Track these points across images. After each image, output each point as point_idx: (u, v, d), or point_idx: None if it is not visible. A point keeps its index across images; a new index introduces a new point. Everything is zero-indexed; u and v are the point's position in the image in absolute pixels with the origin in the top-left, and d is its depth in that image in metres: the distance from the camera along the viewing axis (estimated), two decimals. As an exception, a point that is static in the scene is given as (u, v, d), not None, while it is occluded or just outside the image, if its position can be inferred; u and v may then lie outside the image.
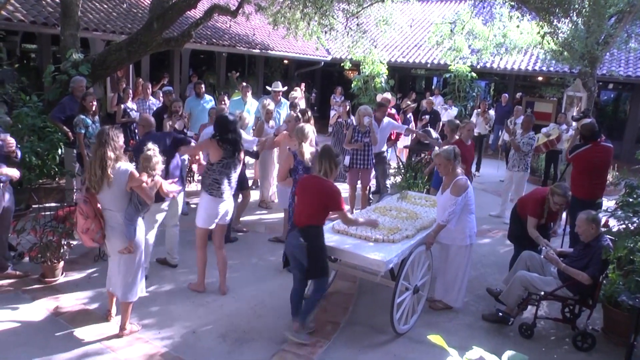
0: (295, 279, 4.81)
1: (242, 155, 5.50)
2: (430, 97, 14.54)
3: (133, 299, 4.63)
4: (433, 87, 18.90)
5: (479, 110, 13.05)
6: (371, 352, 4.66)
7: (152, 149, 4.55)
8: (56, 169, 7.49)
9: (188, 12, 9.49)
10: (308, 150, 6.13)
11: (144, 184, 4.41)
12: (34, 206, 6.93)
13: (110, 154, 4.34)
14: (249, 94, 10.02)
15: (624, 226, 5.14)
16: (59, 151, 7.32)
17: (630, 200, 5.19)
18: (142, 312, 5.02)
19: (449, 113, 13.73)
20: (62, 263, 5.70)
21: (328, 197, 4.65)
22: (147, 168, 4.51)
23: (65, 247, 5.72)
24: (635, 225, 5.02)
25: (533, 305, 5.17)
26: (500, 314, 5.18)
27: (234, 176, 5.40)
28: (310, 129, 6.27)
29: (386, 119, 8.57)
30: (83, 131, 7.06)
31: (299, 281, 4.79)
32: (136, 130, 9.59)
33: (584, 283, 4.81)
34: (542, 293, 5.05)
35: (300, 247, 4.56)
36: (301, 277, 4.77)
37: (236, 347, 4.61)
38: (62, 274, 5.70)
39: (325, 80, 21.59)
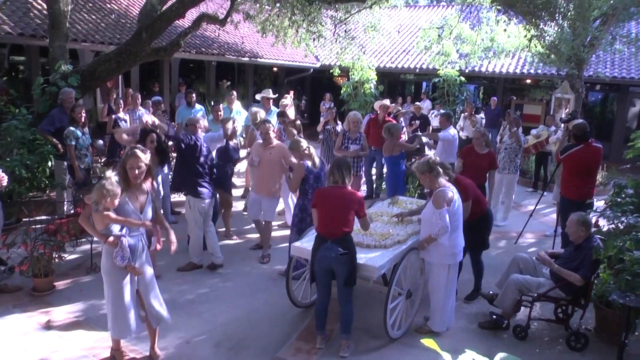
0: (322, 292, 4.75)
1: None
2: (418, 103, 14.60)
3: (117, 336, 4.26)
4: (422, 91, 18.98)
5: (466, 114, 13.15)
6: (365, 357, 4.66)
7: (109, 178, 4.00)
8: (46, 182, 7.45)
9: (176, 21, 9.50)
10: (315, 155, 6.20)
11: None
12: (24, 219, 6.90)
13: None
14: (235, 101, 10.16)
15: (613, 226, 5.19)
16: (49, 164, 7.28)
17: (619, 200, 5.25)
18: (135, 324, 5.00)
19: (438, 118, 13.77)
20: (53, 276, 5.67)
21: (357, 203, 4.65)
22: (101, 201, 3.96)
23: (56, 260, 5.69)
24: (624, 224, 5.07)
25: (526, 307, 5.19)
26: (494, 316, 5.19)
27: None
28: (303, 141, 6.27)
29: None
30: (73, 143, 7.03)
31: (325, 295, 4.75)
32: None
33: (577, 284, 4.85)
34: (535, 295, 5.08)
35: (341, 258, 4.50)
36: (328, 290, 4.74)
37: (231, 356, 4.60)
38: (53, 287, 5.66)
39: (315, 86, 21.64)
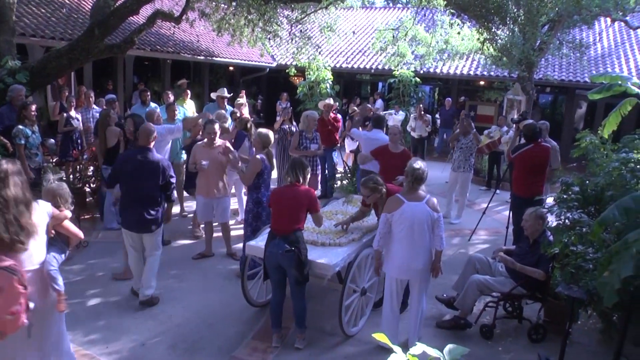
0: (276, 290, 4.82)
1: None
2: (368, 105, 14.73)
3: None
4: (376, 92, 19.21)
5: (415, 114, 13.40)
6: (322, 355, 4.70)
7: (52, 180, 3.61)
8: (-7, 182, 7.18)
9: (130, 17, 9.30)
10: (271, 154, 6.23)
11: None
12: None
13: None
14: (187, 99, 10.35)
15: (560, 222, 5.39)
16: (-4, 163, 7.02)
17: (565, 197, 5.45)
18: (88, 327, 4.90)
19: (394, 118, 13.97)
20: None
21: (309, 199, 4.83)
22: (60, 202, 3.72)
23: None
24: (570, 220, 5.26)
25: (492, 307, 5.24)
26: (462, 321, 5.24)
27: None
28: (271, 134, 6.28)
29: None
30: (23, 142, 6.80)
31: (279, 293, 4.81)
32: (79, 140, 9.35)
33: (540, 279, 5.00)
34: (498, 294, 5.16)
35: (288, 255, 4.54)
36: (282, 287, 4.80)
37: (187, 357, 4.56)
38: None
39: (271, 86, 21.60)
